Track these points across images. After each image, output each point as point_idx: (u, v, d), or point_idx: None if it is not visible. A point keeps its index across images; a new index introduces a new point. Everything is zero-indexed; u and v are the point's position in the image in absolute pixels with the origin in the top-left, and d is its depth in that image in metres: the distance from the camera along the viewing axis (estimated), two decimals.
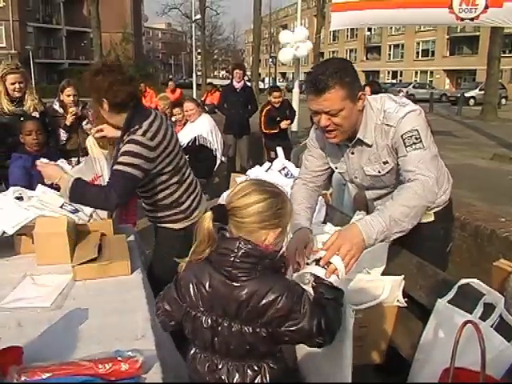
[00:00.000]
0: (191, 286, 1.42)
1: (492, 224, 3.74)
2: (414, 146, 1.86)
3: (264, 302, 1.33)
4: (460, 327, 1.41)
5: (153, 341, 1.55)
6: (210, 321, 1.40)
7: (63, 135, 4.43)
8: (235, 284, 1.36)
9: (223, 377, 1.42)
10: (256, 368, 1.41)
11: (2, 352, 1.34)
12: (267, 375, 1.40)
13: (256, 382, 1.40)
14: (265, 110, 6.86)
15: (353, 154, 2.11)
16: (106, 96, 2.24)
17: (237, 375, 1.41)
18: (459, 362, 1.47)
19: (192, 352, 1.50)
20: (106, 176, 2.53)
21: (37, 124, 3.47)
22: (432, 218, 2.26)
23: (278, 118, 6.82)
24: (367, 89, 4.72)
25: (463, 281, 1.83)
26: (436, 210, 2.26)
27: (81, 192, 2.14)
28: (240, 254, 1.35)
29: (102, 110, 2.33)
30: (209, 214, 1.38)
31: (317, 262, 1.59)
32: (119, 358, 1.33)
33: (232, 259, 1.36)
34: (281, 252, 1.46)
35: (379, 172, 2.07)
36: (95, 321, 1.69)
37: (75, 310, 1.76)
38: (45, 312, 1.75)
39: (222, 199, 2.79)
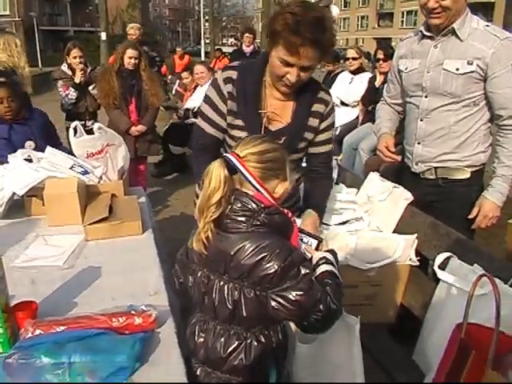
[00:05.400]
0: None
1: None
2: None
3: (249, 258, 1.23)
4: (475, 280, 1.39)
5: (166, 297, 1.55)
6: (203, 276, 1.35)
7: (72, 94, 4.48)
8: (226, 235, 1.29)
9: (209, 340, 1.36)
10: (242, 337, 1.33)
11: (17, 306, 1.35)
12: (252, 349, 1.32)
13: (237, 352, 1.32)
14: None
15: (436, 47, 2.18)
16: None
17: (222, 340, 1.34)
18: (471, 318, 1.47)
19: (192, 315, 1.47)
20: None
21: (8, 90, 3.02)
22: (468, 176, 2.21)
23: None
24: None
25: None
26: (473, 169, 2.21)
27: None
28: (236, 206, 1.28)
29: None
30: (220, 160, 1.28)
31: None
32: (133, 312, 1.33)
33: (228, 210, 1.29)
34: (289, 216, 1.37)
35: (457, 69, 2.10)
36: (108, 279, 1.69)
37: (88, 268, 1.76)
38: (57, 271, 1.75)
39: None
